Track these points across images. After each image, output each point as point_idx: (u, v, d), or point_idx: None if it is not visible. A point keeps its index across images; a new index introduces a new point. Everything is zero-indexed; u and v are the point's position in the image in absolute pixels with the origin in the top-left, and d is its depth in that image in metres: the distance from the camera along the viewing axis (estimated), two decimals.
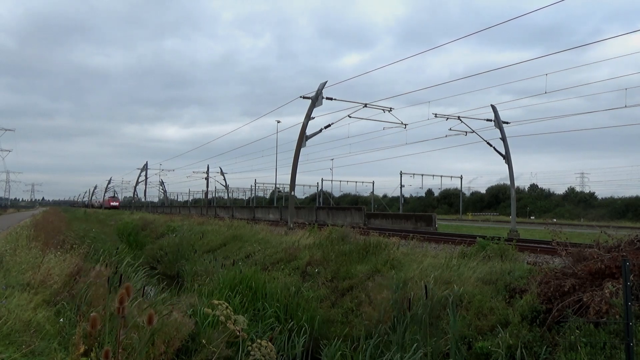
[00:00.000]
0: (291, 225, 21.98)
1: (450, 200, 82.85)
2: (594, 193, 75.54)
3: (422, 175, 61.76)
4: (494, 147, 25.46)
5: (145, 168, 65.63)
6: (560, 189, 79.53)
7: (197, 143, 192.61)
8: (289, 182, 23.73)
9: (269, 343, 4.01)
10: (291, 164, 23.43)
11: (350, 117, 24.63)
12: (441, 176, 64.98)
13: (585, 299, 6.00)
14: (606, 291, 5.88)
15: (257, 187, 73.98)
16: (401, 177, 58.15)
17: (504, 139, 25.04)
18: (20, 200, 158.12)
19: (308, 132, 22.99)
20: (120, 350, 4.38)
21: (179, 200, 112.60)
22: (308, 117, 22.56)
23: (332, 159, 63.46)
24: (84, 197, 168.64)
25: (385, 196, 78.49)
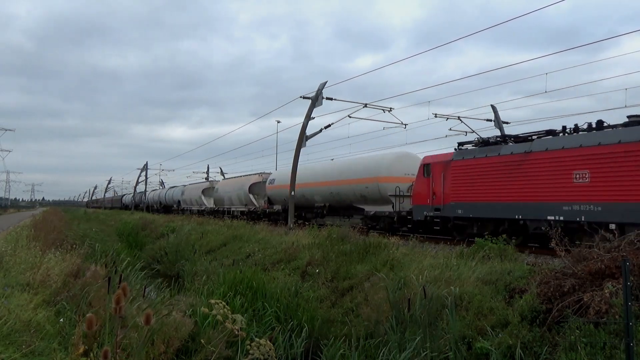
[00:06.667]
0: (291, 225, 21.96)
1: None
2: None
3: None
4: None
5: (145, 168, 65.50)
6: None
7: (203, 143, 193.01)
8: (289, 182, 23.70)
9: (268, 342, 4.01)
10: (291, 164, 23.45)
11: (350, 117, 24.60)
12: None
13: (585, 299, 6.00)
14: (606, 291, 5.87)
15: None
16: None
17: None
18: (20, 200, 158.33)
19: (309, 132, 23.01)
20: (119, 350, 4.38)
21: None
22: (308, 117, 22.55)
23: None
24: (84, 197, 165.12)
25: None
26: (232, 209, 36.14)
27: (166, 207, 56.66)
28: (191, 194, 47.14)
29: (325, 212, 24.84)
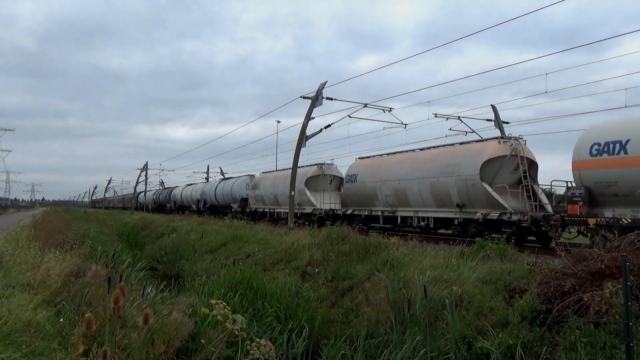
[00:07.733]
0: (291, 225, 21.96)
1: None
2: None
3: None
4: None
5: (145, 168, 65.53)
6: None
7: (204, 143, 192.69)
8: (289, 182, 23.70)
9: (268, 342, 4.01)
10: (291, 164, 23.46)
11: (350, 117, 24.64)
12: None
13: (585, 299, 6.00)
14: (606, 291, 5.87)
15: None
16: None
17: None
18: (21, 200, 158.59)
19: (310, 131, 23.03)
20: (118, 351, 4.38)
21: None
22: (308, 117, 22.57)
23: (332, 159, 63.29)
24: (84, 197, 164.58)
25: None
26: (409, 214, 18.39)
27: (214, 209, 37.80)
28: (278, 186, 27.85)
29: None
